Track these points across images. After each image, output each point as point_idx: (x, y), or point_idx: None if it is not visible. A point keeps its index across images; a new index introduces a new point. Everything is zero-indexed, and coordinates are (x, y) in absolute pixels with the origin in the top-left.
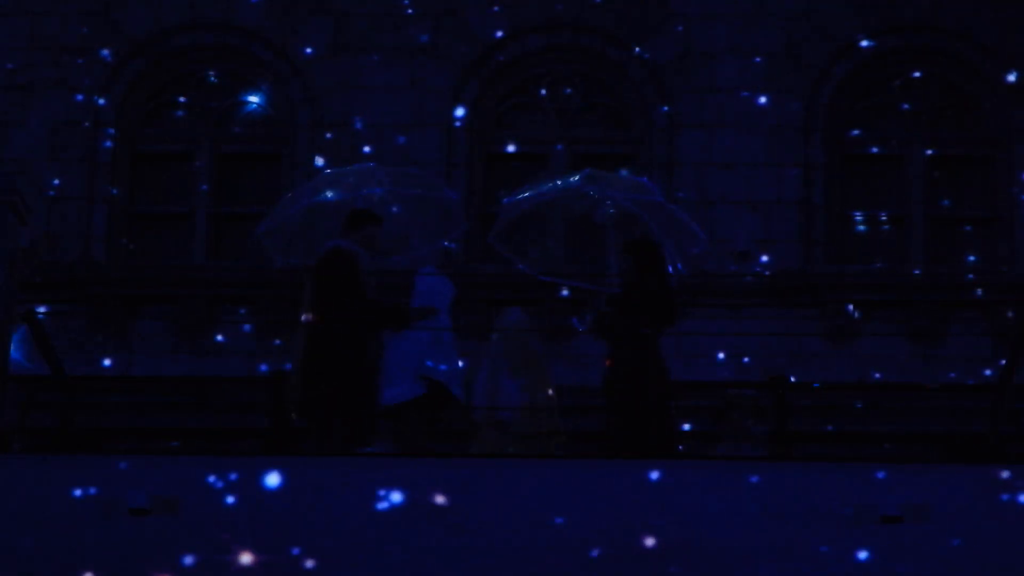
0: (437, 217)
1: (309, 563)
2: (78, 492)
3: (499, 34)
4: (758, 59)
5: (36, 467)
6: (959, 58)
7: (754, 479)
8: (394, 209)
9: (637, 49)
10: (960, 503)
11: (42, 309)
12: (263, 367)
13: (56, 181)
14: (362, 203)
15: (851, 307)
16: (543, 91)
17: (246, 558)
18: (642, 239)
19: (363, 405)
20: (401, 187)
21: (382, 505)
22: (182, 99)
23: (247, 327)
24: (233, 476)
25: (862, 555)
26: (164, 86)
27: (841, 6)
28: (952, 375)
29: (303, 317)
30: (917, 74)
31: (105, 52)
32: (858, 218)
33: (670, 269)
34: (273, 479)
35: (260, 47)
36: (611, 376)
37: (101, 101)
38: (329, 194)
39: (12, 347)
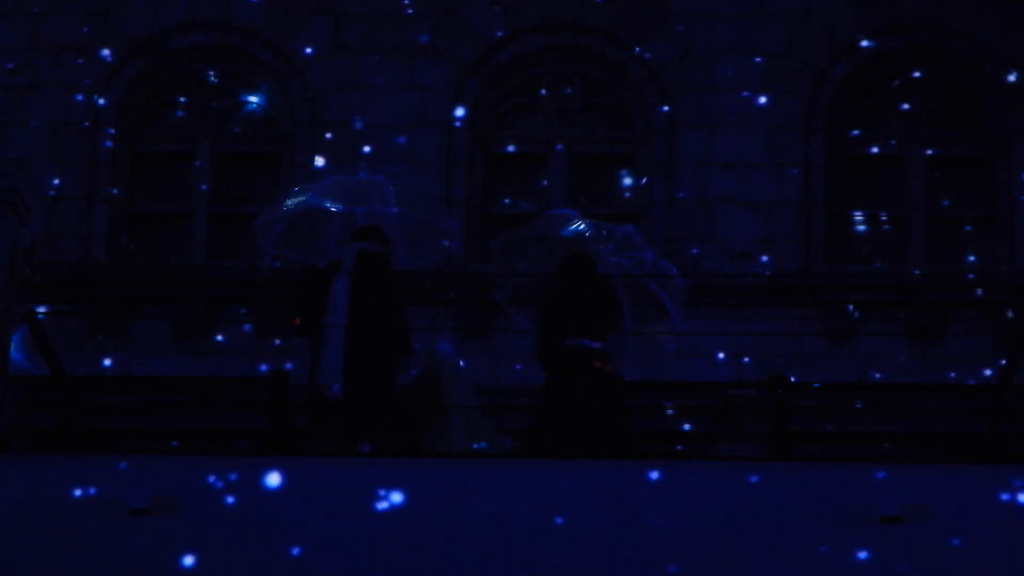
0: (431, 239)
1: (309, 563)
2: (78, 492)
3: (499, 34)
4: (758, 59)
5: (36, 467)
6: (959, 58)
7: (754, 479)
8: (394, 212)
9: (637, 49)
10: (960, 503)
11: (42, 309)
12: (263, 367)
13: (56, 181)
14: (365, 219)
15: (851, 307)
16: (543, 91)
17: (246, 558)
18: (571, 256)
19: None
20: (410, 209)
21: (382, 505)
22: (182, 99)
23: (247, 327)
24: (233, 476)
25: (862, 555)
26: (164, 86)
27: (841, 6)
28: (952, 375)
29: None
30: (917, 74)
31: (105, 52)
32: (858, 218)
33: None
34: (273, 479)
35: (260, 47)
36: (558, 382)
37: (101, 101)
38: (333, 205)
39: (12, 347)
